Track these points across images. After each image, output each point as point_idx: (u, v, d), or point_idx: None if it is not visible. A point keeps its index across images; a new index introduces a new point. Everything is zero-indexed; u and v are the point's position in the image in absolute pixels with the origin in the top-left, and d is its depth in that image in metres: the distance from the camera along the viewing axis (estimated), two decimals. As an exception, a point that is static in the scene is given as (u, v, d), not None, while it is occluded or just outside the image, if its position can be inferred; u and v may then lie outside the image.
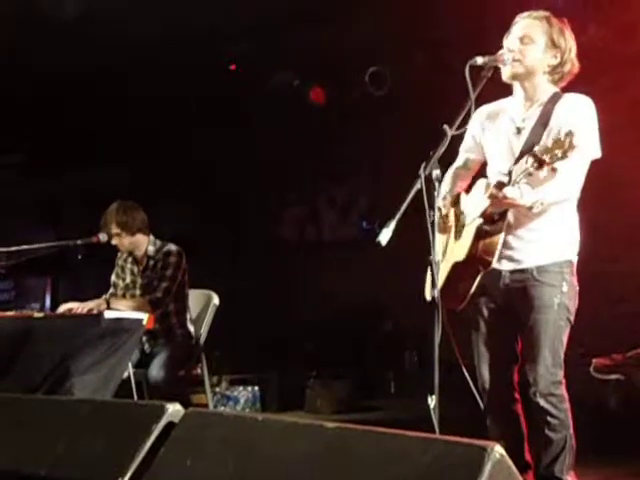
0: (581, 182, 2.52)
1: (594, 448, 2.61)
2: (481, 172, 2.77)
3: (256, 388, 5.72)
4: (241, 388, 5.69)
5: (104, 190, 4.14)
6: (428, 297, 2.57)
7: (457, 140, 2.44)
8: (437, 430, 2.30)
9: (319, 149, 6.75)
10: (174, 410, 1.60)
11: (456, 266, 2.52)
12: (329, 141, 6.69)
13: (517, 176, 2.36)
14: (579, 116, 2.46)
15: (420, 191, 2.34)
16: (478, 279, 2.50)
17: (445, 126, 2.42)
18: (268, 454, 1.43)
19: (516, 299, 2.54)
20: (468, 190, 2.71)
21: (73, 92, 6.08)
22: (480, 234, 2.47)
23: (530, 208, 2.41)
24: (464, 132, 2.45)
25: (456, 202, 2.71)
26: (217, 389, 5.62)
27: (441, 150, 2.40)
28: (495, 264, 2.51)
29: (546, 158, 2.24)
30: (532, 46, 2.54)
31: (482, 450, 1.19)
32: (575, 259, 2.57)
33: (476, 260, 2.47)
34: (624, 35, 4.57)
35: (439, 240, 2.63)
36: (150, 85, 6.09)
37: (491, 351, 2.61)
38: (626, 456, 2.80)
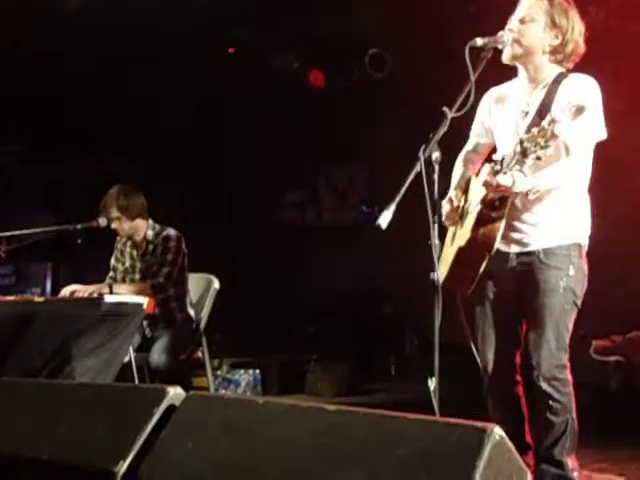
0: (587, 164, 2.50)
1: (594, 429, 2.62)
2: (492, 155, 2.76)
3: (257, 371, 5.74)
4: (242, 371, 5.71)
5: (104, 177, 4.13)
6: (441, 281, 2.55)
7: (457, 122, 2.43)
8: (437, 412, 2.31)
9: (319, 132, 6.73)
10: (175, 393, 1.60)
11: (461, 251, 2.52)
12: (329, 124, 6.67)
13: (508, 163, 2.35)
14: (582, 97, 2.42)
15: (420, 173, 2.33)
16: (485, 263, 2.50)
17: (445, 108, 2.41)
18: (269, 437, 1.43)
19: (522, 282, 2.53)
20: (479, 173, 2.69)
21: (73, 82, 6.05)
22: (480, 220, 2.47)
23: (526, 194, 2.41)
24: (464, 114, 2.44)
25: (467, 187, 2.71)
26: (218, 372, 5.64)
27: (441, 132, 2.39)
28: (503, 247, 2.52)
29: (530, 146, 2.25)
30: (531, 25, 2.52)
31: (482, 432, 1.19)
32: (585, 242, 2.55)
33: (479, 245, 2.47)
34: (625, 16, 4.54)
35: (451, 227, 2.67)
36: (149, 72, 6.06)
37: (496, 334, 2.61)
38: (626, 437, 2.82)
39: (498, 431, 1.20)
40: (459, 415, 1.29)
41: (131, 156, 7.08)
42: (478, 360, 2.57)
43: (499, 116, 2.67)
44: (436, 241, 2.36)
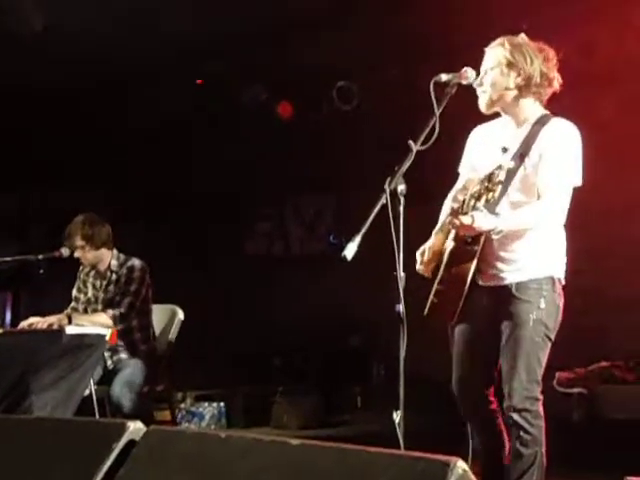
0: (563, 209, 2.54)
1: (557, 461, 2.63)
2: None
3: (222, 404, 5.66)
4: (206, 404, 5.63)
5: (71, 208, 4.09)
6: (425, 312, 2.65)
7: (421, 155, 2.47)
8: (402, 445, 2.30)
9: (287, 163, 6.76)
10: (135, 428, 1.57)
11: (440, 286, 2.59)
12: (297, 155, 6.71)
13: (467, 203, 2.46)
14: (561, 144, 2.52)
15: (385, 206, 2.35)
16: (463, 296, 2.55)
17: (410, 142, 2.45)
18: (232, 472, 1.41)
19: (497, 315, 2.58)
20: None
21: (39, 111, 6.00)
22: (454, 256, 2.55)
23: (490, 232, 2.47)
24: (428, 147, 2.49)
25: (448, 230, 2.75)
26: (182, 405, 5.56)
27: (406, 165, 2.43)
28: (480, 282, 2.58)
29: (481, 188, 2.37)
30: (492, 72, 2.59)
31: (445, 465, 1.18)
32: (559, 275, 2.60)
33: (454, 280, 2.54)
34: (585, 53, 4.69)
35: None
36: (117, 102, 6.05)
37: (469, 361, 2.65)
38: (589, 469, 2.83)
39: (461, 465, 1.19)
40: (424, 448, 1.28)
41: (97, 187, 7.01)
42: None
43: (483, 154, 2.73)
44: (402, 273, 2.39)
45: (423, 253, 2.71)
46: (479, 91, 2.63)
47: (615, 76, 4.92)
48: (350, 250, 2.31)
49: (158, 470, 1.47)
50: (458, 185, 2.84)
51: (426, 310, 2.65)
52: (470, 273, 2.52)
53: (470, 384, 2.63)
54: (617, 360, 4.55)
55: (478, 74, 2.62)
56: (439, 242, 2.71)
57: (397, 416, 2.32)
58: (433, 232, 2.79)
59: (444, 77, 2.55)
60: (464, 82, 2.59)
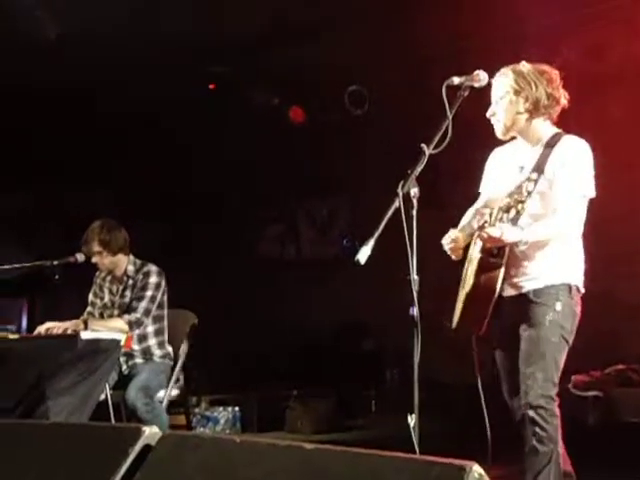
0: (579, 220, 2.65)
1: (573, 464, 2.62)
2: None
3: (236, 408, 5.67)
4: (221, 409, 5.64)
5: (82, 209, 4.10)
6: (453, 325, 2.76)
7: (434, 158, 2.48)
8: (417, 449, 2.30)
9: (299, 168, 6.77)
10: (151, 433, 1.57)
11: (468, 297, 2.67)
12: (309, 160, 6.72)
13: (495, 216, 2.56)
14: (573, 160, 2.64)
15: (398, 209, 2.36)
16: (491, 306, 2.64)
17: (423, 145, 2.46)
18: (246, 477, 1.41)
19: (517, 321, 2.67)
20: None
21: (43, 112, 6.03)
22: (482, 268, 2.62)
23: (516, 244, 2.57)
24: (441, 153, 2.51)
25: (472, 234, 2.85)
26: (197, 410, 5.56)
27: (419, 169, 2.46)
28: (502, 292, 2.66)
29: (510, 201, 2.49)
30: (501, 102, 2.72)
31: (461, 469, 1.18)
32: (576, 283, 2.68)
33: (482, 291, 2.62)
34: (593, 56, 4.68)
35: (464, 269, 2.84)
36: (126, 104, 6.07)
37: (506, 370, 2.74)
38: (605, 472, 2.82)
39: (477, 469, 1.19)
40: (439, 452, 1.28)
41: (104, 186, 7.04)
42: (482, 399, 2.67)
43: (502, 174, 2.84)
44: (415, 276, 2.41)
45: (452, 239, 2.80)
46: (494, 120, 2.76)
47: (624, 78, 4.90)
48: (363, 254, 2.32)
49: (174, 475, 1.47)
50: (479, 203, 2.95)
51: (454, 323, 2.75)
52: (498, 285, 2.61)
53: (515, 397, 2.69)
54: (632, 363, 4.51)
55: (489, 77, 2.67)
56: (462, 238, 2.82)
57: (412, 420, 2.32)
58: (457, 229, 2.88)
59: (456, 80, 2.59)
60: (476, 85, 2.62)
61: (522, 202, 2.45)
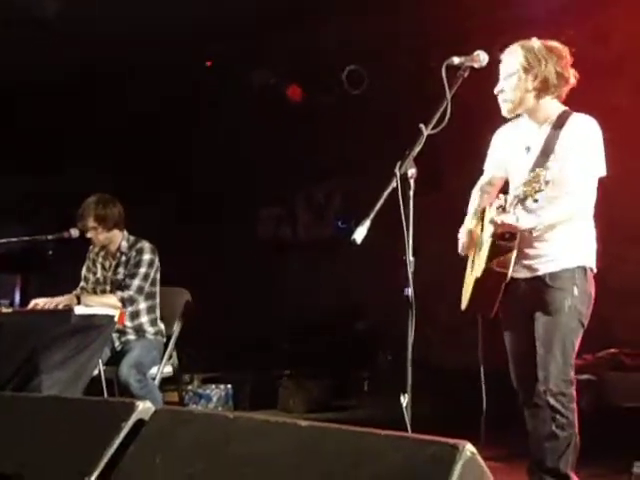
0: (591, 200, 2.64)
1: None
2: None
3: (229, 386, 5.68)
4: (213, 386, 5.65)
5: (83, 194, 4.08)
6: (463, 306, 2.77)
7: (432, 139, 2.46)
8: (409, 429, 2.31)
9: (295, 148, 6.74)
10: (144, 408, 1.57)
11: (478, 280, 2.66)
12: (305, 140, 6.68)
13: (510, 203, 2.52)
14: (583, 138, 2.61)
15: (395, 190, 2.35)
16: (502, 289, 2.64)
17: (421, 125, 2.45)
18: (239, 452, 1.41)
19: (532, 305, 2.66)
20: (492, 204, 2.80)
21: (42, 94, 5.97)
22: (494, 252, 2.60)
23: (530, 231, 2.56)
24: (439, 131, 2.48)
25: (482, 217, 2.85)
26: (189, 387, 5.58)
27: (417, 149, 2.43)
28: (514, 274, 2.65)
29: (527, 190, 2.42)
30: (510, 79, 2.67)
31: (453, 448, 1.18)
32: (590, 265, 2.67)
33: (494, 275, 2.61)
34: (599, 39, 4.64)
35: (470, 255, 2.84)
36: (125, 84, 6.02)
37: (518, 353, 2.73)
38: (596, 456, 2.84)
39: (469, 448, 1.19)
40: (431, 432, 1.28)
41: (102, 169, 7.00)
42: (482, 380, 2.70)
43: (508, 153, 2.81)
44: (411, 257, 2.39)
45: (466, 234, 2.80)
46: (500, 98, 2.71)
47: (630, 63, 4.87)
48: (360, 234, 2.31)
49: (167, 449, 1.47)
50: (483, 180, 2.93)
51: (464, 304, 2.75)
52: (510, 269, 2.60)
53: (526, 378, 2.69)
54: (625, 347, 4.53)
55: (490, 57, 2.61)
56: (473, 227, 2.82)
57: (405, 400, 2.32)
58: (468, 214, 2.88)
59: (456, 60, 2.56)
60: (476, 65, 2.59)
61: (540, 191, 2.41)
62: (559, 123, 2.66)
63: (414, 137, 2.45)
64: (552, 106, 2.70)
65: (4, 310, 3.38)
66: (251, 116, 6.45)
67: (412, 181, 2.40)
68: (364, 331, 6.65)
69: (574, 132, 2.62)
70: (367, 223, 2.33)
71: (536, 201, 2.43)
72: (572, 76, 2.67)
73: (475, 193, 2.94)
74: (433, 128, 2.46)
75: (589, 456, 2.66)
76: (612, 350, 4.51)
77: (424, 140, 2.44)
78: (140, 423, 1.55)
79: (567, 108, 2.71)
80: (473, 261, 2.80)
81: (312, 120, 6.48)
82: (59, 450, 1.60)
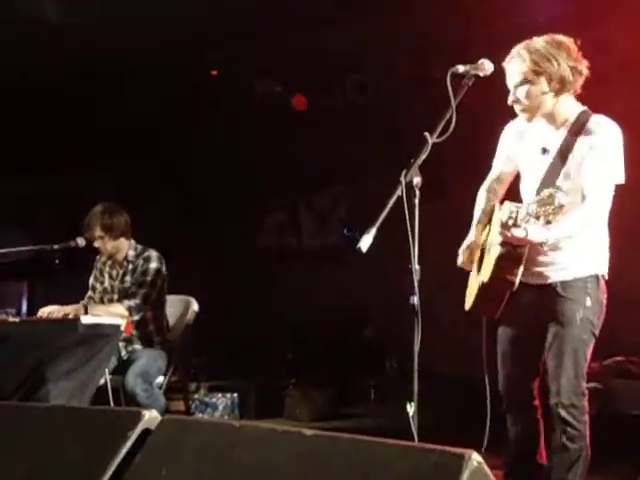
0: (605, 207, 2.56)
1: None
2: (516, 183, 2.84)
3: (235, 395, 5.68)
4: (220, 395, 5.65)
5: (83, 194, 4.08)
6: (467, 307, 2.73)
7: (437, 147, 2.46)
8: (416, 438, 2.30)
9: (300, 156, 6.75)
10: (150, 417, 1.57)
11: (484, 285, 2.61)
12: (310, 148, 6.69)
13: (522, 218, 2.41)
14: (601, 146, 2.51)
15: (401, 198, 2.34)
16: (507, 294, 2.60)
17: (426, 133, 2.44)
18: (245, 461, 1.41)
19: (542, 313, 2.61)
20: (503, 201, 2.72)
21: (43, 96, 6.00)
22: (502, 258, 2.55)
23: (541, 244, 2.50)
24: (445, 141, 2.47)
25: (490, 216, 2.78)
26: (195, 396, 5.58)
27: (422, 157, 2.42)
28: (524, 279, 2.59)
29: (540, 210, 2.31)
30: (522, 87, 2.56)
31: (459, 458, 1.18)
32: (603, 272, 2.62)
33: (501, 281, 2.57)
34: (600, 47, 4.64)
35: (476, 254, 2.79)
36: (125, 84, 6.04)
37: (515, 358, 2.68)
38: (602, 463, 2.82)
39: (476, 457, 1.19)
40: (438, 441, 1.28)
41: (102, 170, 7.01)
42: (487, 386, 2.65)
43: (520, 151, 2.74)
44: (416, 266, 2.38)
45: (465, 250, 2.76)
46: (517, 109, 2.62)
47: (630, 71, 4.86)
48: (365, 242, 2.31)
49: (173, 458, 1.47)
50: (492, 176, 2.86)
51: (469, 304, 2.71)
52: (518, 276, 2.55)
53: (515, 382, 2.67)
54: (632, 355, 4.51)
55: (495, 67, 2.57)
56: (479, 234, 2.77)
57: (411, 408, 2.32)
58: (472, 224, 2.82)
59: (461, 68, 2.53)
60: (481, 74, 2.55)
61: (554, 214, 2.30)
62: (578, 126, 2.55)
63: (419, 145, 2.45)
64: (570, 106, 2.59)
65: (11, 319, 3.39)
66: (251, 116, 6.45)
67: (417, 189, 2.38)
68: (370, 339, 6.64)
69: (594, 136, 2.52)
70: (373, 231, 2.32)
71: (549, 222, 2.33)
72: (584, 67, 2.55)
73: (482, 193, 2.86)
74: (438, 136, 2.45)
75: (596, 464, 2.65)
76: (618, 358, 4.49)
77: (429, 148, 2.44)
78: (146, 432, 1.55)
79: (586, 108, 2.62)
80: (480, 263, 2.74)
81: (317, 127, 6.49)
82: (65, 460, 1.61)
